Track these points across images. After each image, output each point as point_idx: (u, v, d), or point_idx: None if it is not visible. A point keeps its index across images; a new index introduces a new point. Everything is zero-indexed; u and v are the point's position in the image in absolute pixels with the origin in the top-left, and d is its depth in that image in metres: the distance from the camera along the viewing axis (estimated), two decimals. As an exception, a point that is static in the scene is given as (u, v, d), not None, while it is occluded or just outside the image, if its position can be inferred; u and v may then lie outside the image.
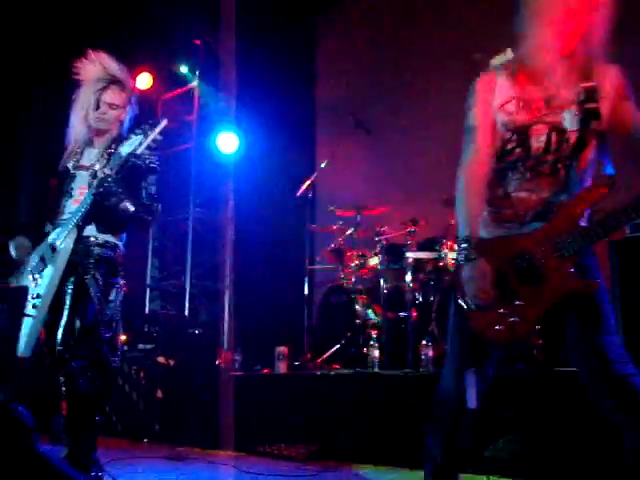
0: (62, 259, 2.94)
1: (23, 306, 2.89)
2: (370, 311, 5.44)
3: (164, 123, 2.97)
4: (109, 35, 3.07)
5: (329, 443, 4.16)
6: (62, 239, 2.96)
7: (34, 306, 2.92)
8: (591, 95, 2.04)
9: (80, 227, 2.99)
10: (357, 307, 5.46)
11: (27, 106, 5.57)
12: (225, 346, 6.31)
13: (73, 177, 3.15)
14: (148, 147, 2.96)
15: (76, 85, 3.20)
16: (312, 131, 7.76)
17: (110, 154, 3.07)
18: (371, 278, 5.62)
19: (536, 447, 3.27)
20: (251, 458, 4.28)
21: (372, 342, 4.83)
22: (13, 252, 3.15)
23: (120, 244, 3.16)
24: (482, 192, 2.15)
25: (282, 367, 5.01)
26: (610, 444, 2.45)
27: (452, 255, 4.85)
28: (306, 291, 6.14)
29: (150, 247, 7.62)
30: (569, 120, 2.06)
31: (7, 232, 3.22)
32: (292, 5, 7.22)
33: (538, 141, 2.09)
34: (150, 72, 7.11)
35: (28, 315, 2.88)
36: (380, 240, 5.41)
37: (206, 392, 4.96)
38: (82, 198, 3.00)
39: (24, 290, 2.95)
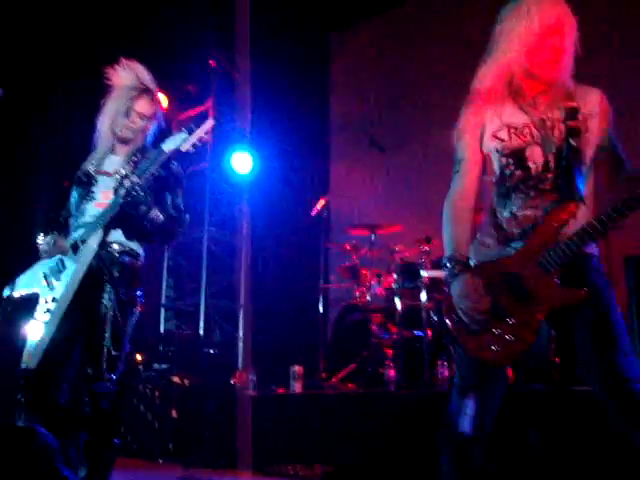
0: (86, 258, 2.82)
1: (30, 316, 2.77)
2: (385, 330, 5.42)
3: (211, 122, 2.90)
4: (123, 55, 3.05)
5: (345, 462, 4.11)
6: (87, 238, 2.85)
7: (48, 311, 2.79)
8: (572, 114, 2.07)
9: (106, 230, 2.89)
10: (372, 326, 5.43)
11: (42, 109, 5.59)
12: (240, 366, 6.29)
13: (95, 181, 3.05)
14: (193, 145, 2.87)
15: (106, 91, 3.10)
16: (326, 150, 7.79)
17: (136, 162, 2.98)
18: (386, 297, 5.59)
19: (554, 467, 3.22)
20: (266, 479, 4.24)
21: (387, 361, 4.79)
22: (45, 247, 2.99)
23: (143, 254, 3.08)
24: (467, 221, 2.21)
25: (297, 387, 4.97)
26: (627, 463, 2.41)
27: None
28: (321, 310, 6.11)
29: (165, 266, 7.63)
30: (559, 138, 2.10)
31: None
32: (306, 24, 7.29)
33: (535, 162, 2.12)
34: (164, 92, 7.17)
35: (39, 321, 2.74)
36: (394, 259, 5.40)
37: (221, 412, 4.93)
38: (107, 202, 2.90)
39: (34, 298, 2.83)
